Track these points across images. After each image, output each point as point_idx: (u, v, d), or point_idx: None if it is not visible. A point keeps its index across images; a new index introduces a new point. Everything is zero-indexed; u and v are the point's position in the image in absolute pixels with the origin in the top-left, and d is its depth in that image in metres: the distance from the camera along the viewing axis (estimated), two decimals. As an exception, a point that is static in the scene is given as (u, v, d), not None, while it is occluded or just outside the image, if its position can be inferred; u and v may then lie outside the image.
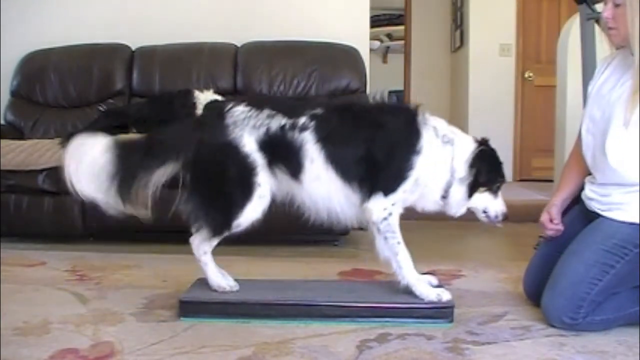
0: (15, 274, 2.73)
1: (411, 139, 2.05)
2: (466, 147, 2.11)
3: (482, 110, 6.24)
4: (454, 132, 2.14)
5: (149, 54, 4.24)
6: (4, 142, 3.54)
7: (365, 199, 2.07)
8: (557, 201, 2.23)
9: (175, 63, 4.16)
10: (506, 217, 2.15)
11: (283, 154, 2.07)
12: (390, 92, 10.21)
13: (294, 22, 4.41)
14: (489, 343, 1.88)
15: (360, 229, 2.22)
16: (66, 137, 3.53)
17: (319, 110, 2.12)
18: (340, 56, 4.18)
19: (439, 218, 4.44)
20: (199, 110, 3.49)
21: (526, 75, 6.26)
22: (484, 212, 2.14)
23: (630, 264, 1.94)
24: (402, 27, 8.33)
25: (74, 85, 4.18)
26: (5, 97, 4.27)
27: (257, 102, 2.15)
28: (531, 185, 5.67)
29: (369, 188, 2.07)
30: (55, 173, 3.43)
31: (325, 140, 2.06)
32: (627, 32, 1.95)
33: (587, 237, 2.03)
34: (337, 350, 1.80)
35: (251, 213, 2.08)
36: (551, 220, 2.21)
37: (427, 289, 2.08)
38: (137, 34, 4.34)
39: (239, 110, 2.10)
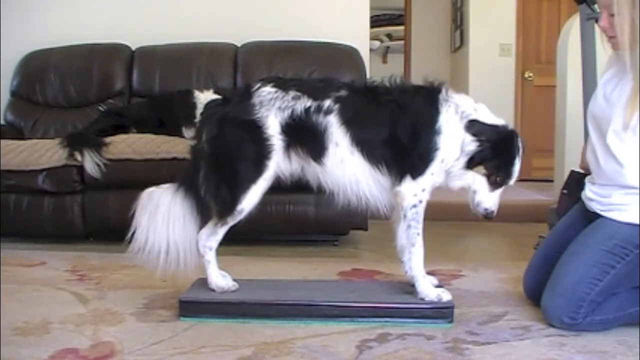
0: (15, 274, 2.73)
1: (432, 119, 2.03)
2: (488, 121, 2.06)
3: (482, 110, 6.24)
4: (477, 109, 2.08)
5: (149, 54, 4.24)
6: (4, 142, 3.54)
7: (397, 183, 2.06)
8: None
9: (175, 63, 4.16)
10: (489, 216, 2.08)
11: (306, 137, 2.07)
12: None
13: (294, 22, 4.40)
14: (489, 343, 1.88)
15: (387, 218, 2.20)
16: (66, 137, 3.55)
17: (343, 93, 2.10)
18: (340, 56, 4.17)
19: (439, 218, 4.45)
20: (199, 111, 3.49)
21: (526, 75, 6.26)
22: (473, 192, 2.08)
23: (631, 265, 1.94)
24: (402, 27, 8.33)
25: (74, 85, 4.18)
26: (5, 97, 4.27)
27: (284, 83, 2.14)
28: (531, 185, 5.67)
29: (398, 171, 2.06)
30: (55, 173, 3.45)
31: (350, 122, 2.06)
32: None
33: (588, 238, 2.03)
34: (337, 350, 1.80)
35: (253, 197, 2.08)
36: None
37: (429, 288, 2.08)
38: (137, 34, 4.34)
39: (266, 91, 2.10)
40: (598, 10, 2.11)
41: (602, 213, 2.04)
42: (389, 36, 9.84)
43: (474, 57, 6.32)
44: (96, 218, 3.49)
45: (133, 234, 2.08)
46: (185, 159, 3.29)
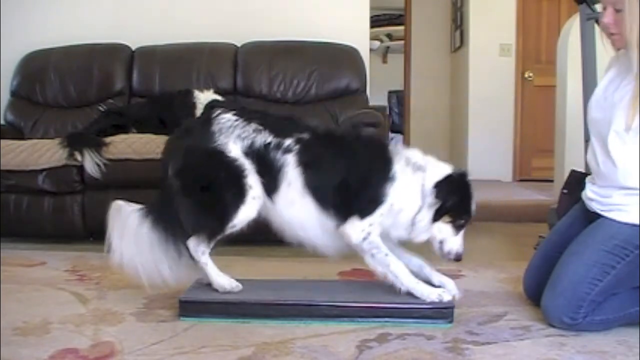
0: (15, 274, 2.73)
1: (385, 168, 2.07)
2: (440, 172, 2.10)
3: (482, 110, 6.25)
4: (427, 160, 2.14)
5: (149, 54, 4.24)
6: (4, 142, 3.54)
7: (341, 224, 2.08)
8: None
9: (175, 63, 4.16)
10: (459, 258, 2.13)
11: (262, 170, 2.09)
12: (390, 92, 10.24)
13: (294, 22, 4.41)
14: (489, 343, 1.88)
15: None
16: (66, 137, 3.55)
17: (305, 135, 2.13)
18: (340, 56, 4.18)
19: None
20: (199, 111, 3.49)
21: (526, 75, 6.26)
22: (440, 242, 2.11)
23: (631, 265, 1.94)
24: (402, 27, 8.33)
25: (74, 85, 4.18)
26: (5, 97, 4.27)
27: (247, 113, 2.17)
28: (531, 185, 5.67)
29: (345, 214, 2.08)
30: (55, 173, 3.45)
31: (306, 166, 2.08)
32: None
33: (588, 238, 2.03)
34: (337, 350, 1.80)
35: (246, 214, 2.08)
36: None
37: (427, 289, 2.08)
38: (137, 34, 4.34)
39: (226, 118, 2.12)
40: (598, 10, 2.10)
41: (603, 213, 2.04)
42: (389, 36, 9.84)
43: (474, 57, 6.31)
44: (96, 218, 3.45)
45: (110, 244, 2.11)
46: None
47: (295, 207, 2.09)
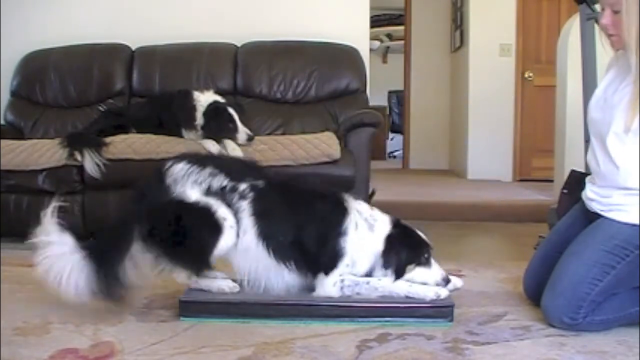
0: (15, 274, 2.73)
1: (342, 221, 2.09)
2: (383, 232, 2.11)
3: (482, 110, 6.25)
4: (374, 217, 2.15)
5: (149, 54, 4.24)
6: (4, 142, 3.54)
7: (311, 281, 2.10)
8: None
9: (175, 63, 4.16)
10: (448, 281, 2.14)
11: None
12: (390, 92, 10.24)
13: (294, 22, 4.40)
14: (489, 343, 1.88)
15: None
16: (66, 137, 3.55)
17: (260, 183, 2.14)
18: (340, 56, 4.17)
19: (439, 218, 4.46)
20: (199, 113, 3.49)
21: (526, 75, 6.26)
22: (423, 283, 2.12)
23: (631, 265, 1.94)
24: (402, 27, 8.34)
25: (74, 85, 4.18)
26: (5, 97, 4.27)
27: (200, 159, 2.18)
28: (531, 185, 5.67)
29: (308, 270, 2.10)
30: (55, 173, 3.45)
31: (260, 216, 2.09)
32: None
33: (588, 238, 2.03)
34: (337, 350, 1.80)
35: (226, 243, 2.07)
36: None
37: (423, 289, 2.08)
38: (137, 34, 4.33)
39: (179, 168, 2.11)
40: (598, 10, 2.10)
41: (603, 213, 2.04)
42: (389, 36, 9.86)
43: (474, 57, 6.32)
44: (96, 218, 3.49)
45: None
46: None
47: (250, 255, 2.10)
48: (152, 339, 1.88)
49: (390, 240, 2.10)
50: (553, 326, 1.99)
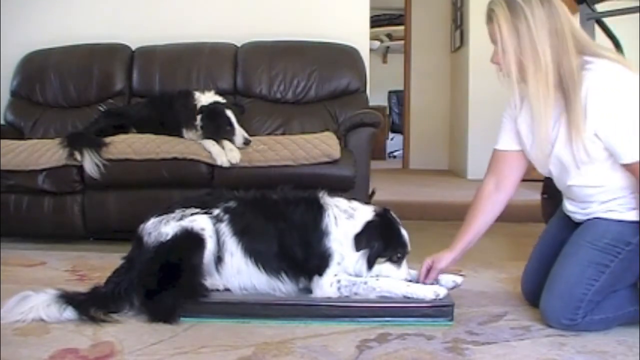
0: (15, 274, 2.73)
1: (321, 220, 2.10)
2: (364, 219, 2.12)
3: (482, 110, 6.23)
4: (353, 207, 2.16)
5: (149, 54, 4.24)
6: (4, 142, 3.54)
7: (306, 284, 2.11)
8: (451, 256, 2.19)
9: (175, 63, 4.16)
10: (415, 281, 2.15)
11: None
12: (390, 92, 10.24)
13: (294, 22, 4.41)
14: (489, 343, 1.88)
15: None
16: (66, 137, 3.55)
17: (232, 204, 2.16)
18: (340, 56, 4.18)
19: (439, 218, 4.45)
20: (199, 114, 3.49)
21: (526, 75, 6.25)
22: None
23: (625, 262, 1.94)
24: (402, 27, 8.35)
25: (74, 85, 4.18)
26: (5, 97, 4.27)
27: (167, 208, 2.19)
28: (531, 185, 5.63)
29: (301, 275, 2.11)
30: (55, 173, 3.45)
31: (241, 233, 2.11)
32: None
33: (579, 239, 2.03)
34: (337, 350, 1.80)
35: (210, 251, 2.09)
36: (428, 272, 2.18)
37: (421, 289, 2.09)
38: (137, 34, 4.34)
39: (150, 224, 2.15)
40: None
41: (588, 219, 2.05)
42: (389, 36, 9.85)
43: (474, 57, 6.31)
44: (96, 218, 3.49)
45: None
46: (185, 159, 3.32)
47: (242, 275, 2.12)
48: (152, 339, 1.88)
49: (367, 225, 2.10)
50: (553, 326, 1.99)
